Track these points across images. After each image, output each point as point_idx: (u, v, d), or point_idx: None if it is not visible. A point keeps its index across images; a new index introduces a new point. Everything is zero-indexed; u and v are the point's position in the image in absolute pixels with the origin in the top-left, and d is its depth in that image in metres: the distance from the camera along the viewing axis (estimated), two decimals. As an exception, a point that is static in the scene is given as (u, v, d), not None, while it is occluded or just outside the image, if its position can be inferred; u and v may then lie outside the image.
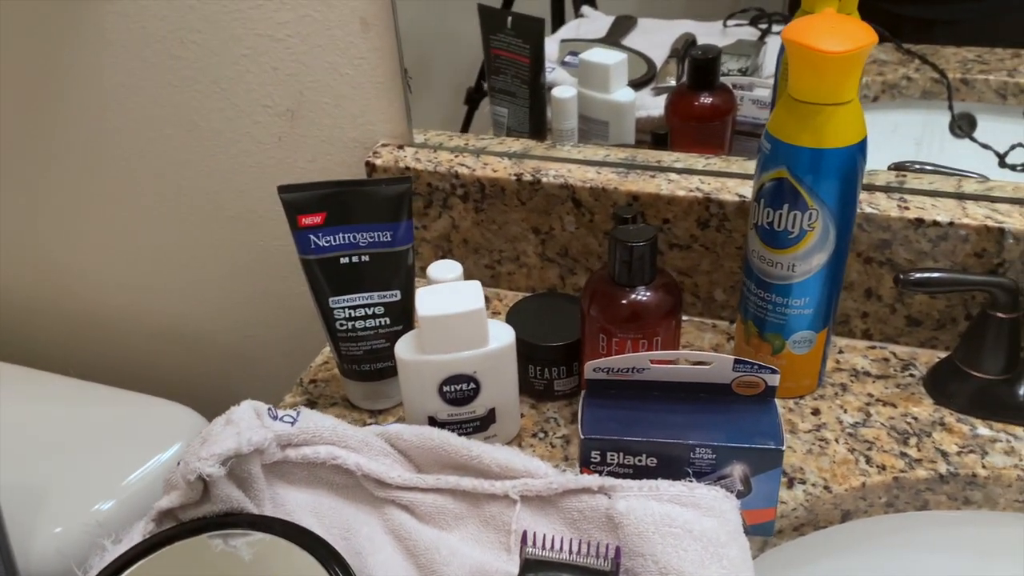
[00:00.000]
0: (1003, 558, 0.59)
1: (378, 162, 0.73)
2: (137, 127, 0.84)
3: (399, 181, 0.58)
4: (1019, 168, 0.66)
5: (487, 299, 0.75)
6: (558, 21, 0.76)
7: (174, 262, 0.93)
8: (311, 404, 0.65)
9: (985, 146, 0.68)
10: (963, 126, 0.69)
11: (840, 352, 0.67)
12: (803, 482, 0.56)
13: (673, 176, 0.68)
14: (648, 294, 0.56)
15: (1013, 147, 0.66)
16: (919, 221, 0.62)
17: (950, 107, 0.68)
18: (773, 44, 0.69)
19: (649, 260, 0.55)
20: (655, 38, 0.75)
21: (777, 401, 0.61)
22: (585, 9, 0.77)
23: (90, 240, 0.95)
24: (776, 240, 0.57)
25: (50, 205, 0.94)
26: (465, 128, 0.79)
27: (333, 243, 0.58)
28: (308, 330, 0.93)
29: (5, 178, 0.93)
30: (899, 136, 0.71)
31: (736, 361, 0.51)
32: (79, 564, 0.88)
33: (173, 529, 0.51)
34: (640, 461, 0.51)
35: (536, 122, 0.76)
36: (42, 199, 0.93)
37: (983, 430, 0.59)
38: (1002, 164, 0.67)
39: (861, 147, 0.53)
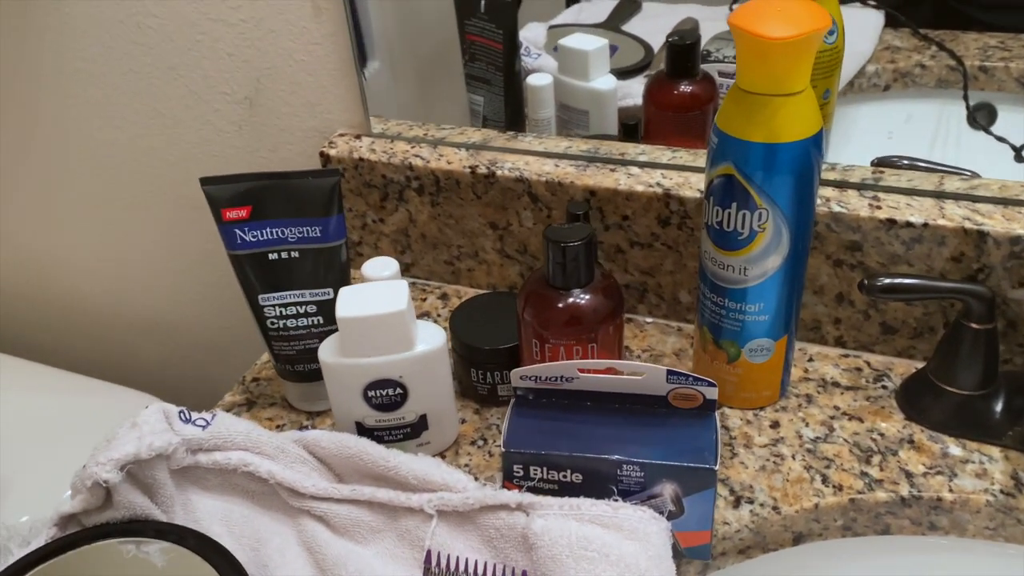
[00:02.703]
0: (974, 589, 0.55)
1: (333, 152, 0.70)
2: (102, 115, 0.82)
3: (327, 174, 0.55)
4: (1037, 162, 0.61)
5: (446, 296, 0.72)
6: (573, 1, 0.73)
7: (144, 253, 0.92)
8: (251, 404, 0.63)
9: (1001, 139, 0.63)
10: (981, 117, 0.64)
11: (810, 360, 0.63)
12: (751, 501, 0.52)
13: (635, 170, 0.64)
14: (585, 297, 0.52)
15: None
16: (891, 222, 0.57)
17: (965, 97, 0.63)
18: None
19: (584, 261, 0.51)
20: (657, 23, 0.71)
21: (733, 412, 0.57)
22: (587, -7, 0.73)
23: (65, 229, 0.94)
24: (726, 241, 0.52)
25: (26, 193, 0.93)
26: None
27: (260, 238, 0.56)
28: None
29: (-19, 165, 0.93)
30: (913, 128, 0.66)
31: (669, 372, 0.47)
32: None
33: (74, 535, 0.49)
34: (565, 477, 0.48)
35: (511, 111, 0.73)
36: (13, 187, 0.92)
37: (955, 449, 0.55)
38: (1019, 158, 0.62)
39: (816, 141, 0.49)
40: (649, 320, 0.68)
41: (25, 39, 0.80)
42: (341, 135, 0.72)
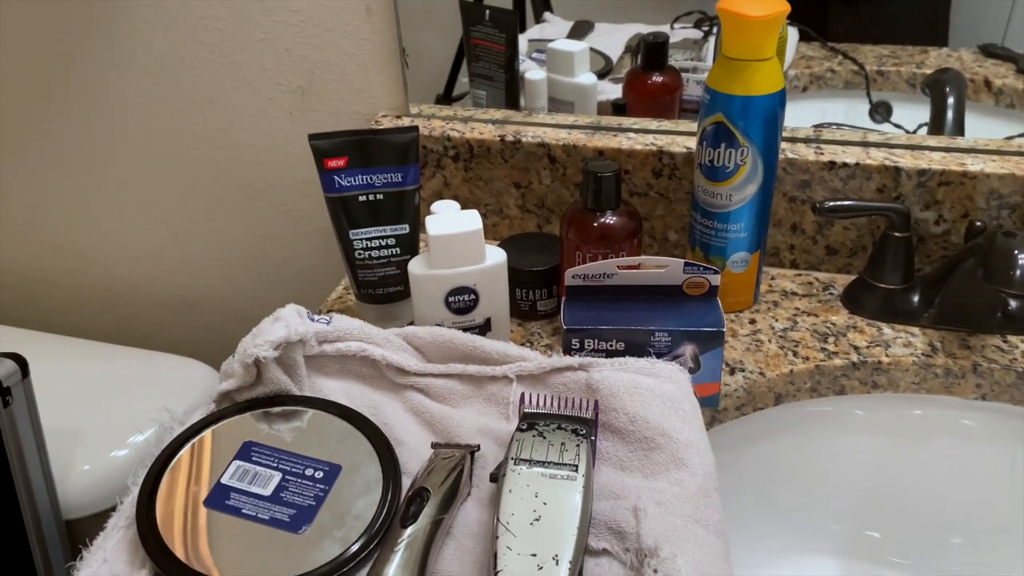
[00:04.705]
0: (908, 436, 0.72)
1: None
2: (158, 106, 0.95)
3: (408, 130, 0.70)
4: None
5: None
6: (520, 26, 0.89)
7: (186, 233, 1.03)
8: (330, 329, 0.76)
9: (898, 126, 0.82)
10: (881, 112, 0.83)
11: (772, 279, 0.80)
12: (743, 370, 0.69)
13: (632, 135, 0.81)
14: (614, 218, 0.69)
15: (920, 126, 0.80)
16: (832, 164, 0.75)
17: (868, 95, 0.82)
18: (713, 42, 0.82)
19: (614, 189, 0.68)
20: (611, 39, 0.88)
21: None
22: (546, 15, 0.90)
23: (108, 214, 1.05)
24: (716, 175, 0.70)
25: (72, 182, 1.03)
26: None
27: (354, 183, 0.70)
28: (311, 292, 1.04)
29: (28, 155, 1.03)
30: (827, 121, 0.84)
31: (686, 264, 0.64)
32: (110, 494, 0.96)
33: (228, 408, 0.62)
34: (611, 345, 0.64)
35: (511, 102, 0.89)
36: (62, 175, 1.03)
37: (887, 331, 0.73)
38: None
39: (780, 96, 0.67)
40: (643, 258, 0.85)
41: (91, 38, 0.92)
42: (384, 116, 0.87)
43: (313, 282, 1.02)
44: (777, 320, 0.75)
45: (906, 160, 0.75)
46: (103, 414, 0.97)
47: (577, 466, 0.52)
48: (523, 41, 0.87)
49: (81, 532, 0.92)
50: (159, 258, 1.07)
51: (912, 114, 0.81)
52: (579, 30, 0.89)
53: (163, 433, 0.62)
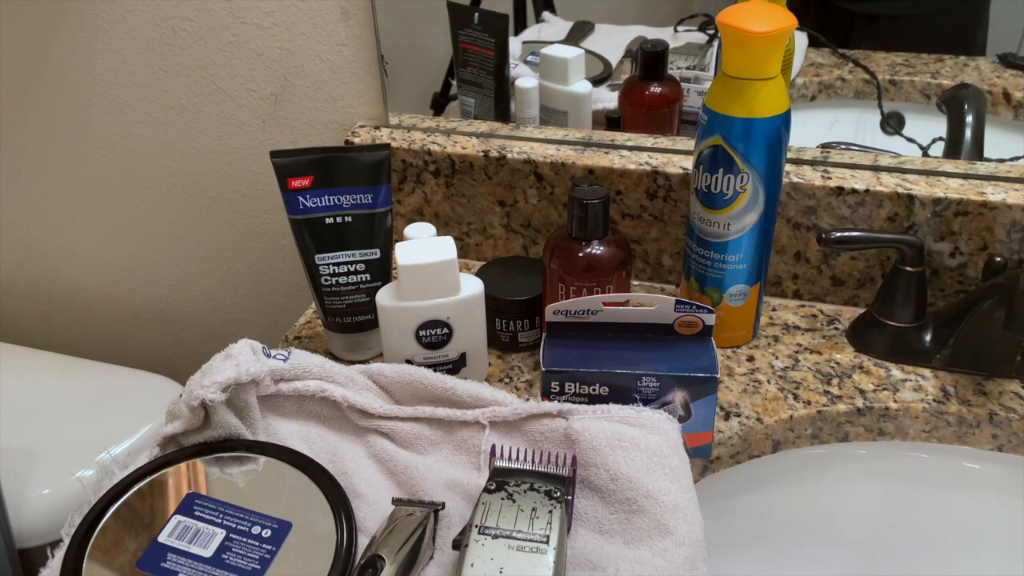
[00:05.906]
0: (915, 487, 0.67)
1: (356, 141, 0.80)
2: (126, 111, 0.89)
3: (379, 148, 0.65)
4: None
5: (456, 267, 0.82)
6: (520, 25, 0.83)
7: (156, 243, 0.98)
8: (296, 357, 0.71)
9: (910, 140, 0.76)
10: (892, 123, 0.78)
11: (773, 310, 0.75)
12: (738, 415, 0.64)
13: (625, 152, 0.76)
14: (601, 248, 0.63)
15: (934, 140, 0.75)
16: (839, 189, 0.70)
17: (879, 106, 0.77)
18: (717, 48, 0.77)
19: (602, 217, 0.62)
20: (611, 41, 0.83)
21: (716, 349, 0.68)
22: (546, 15, 0.84)
23: (74, 222, 0.99)
24: (713, 202, 0.64)
25: (36, 188, 0.98)
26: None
27: (319, 204, 0.64)
28: (285, 307, 0.98)
29: (-5, 161, 0.98)
30: (835, 133, 0.79)
31: (677, 302, 0.58)
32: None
33: (174, 453, 0.56)
34: (593, 390, 0.58)
35: (501, 111, 0.83)
36: (29, 182, 0.98)
37: (896, 372, 0.67)
38: (925, 156, 0.75)
39: (785, 118, 0.61)
40: (636, 283, 0.79)
41: (55, 39, 0.87)
42: (362, 126, 0.82)
43: (288, 296, 0.97)
44: (777, 357, 0.69)
45: (920, 187, 0.69)
46: (65, 433, 0.92)
47: (548, 536, 0.47)
48: (518, 43, 0.82)
49: (39, 562, 0.87)
50: (128, 268, 1.01)
51: (926, 126, 0.75)
52: (578, 31, 0.84)
53: (103, 478, 0.57)
